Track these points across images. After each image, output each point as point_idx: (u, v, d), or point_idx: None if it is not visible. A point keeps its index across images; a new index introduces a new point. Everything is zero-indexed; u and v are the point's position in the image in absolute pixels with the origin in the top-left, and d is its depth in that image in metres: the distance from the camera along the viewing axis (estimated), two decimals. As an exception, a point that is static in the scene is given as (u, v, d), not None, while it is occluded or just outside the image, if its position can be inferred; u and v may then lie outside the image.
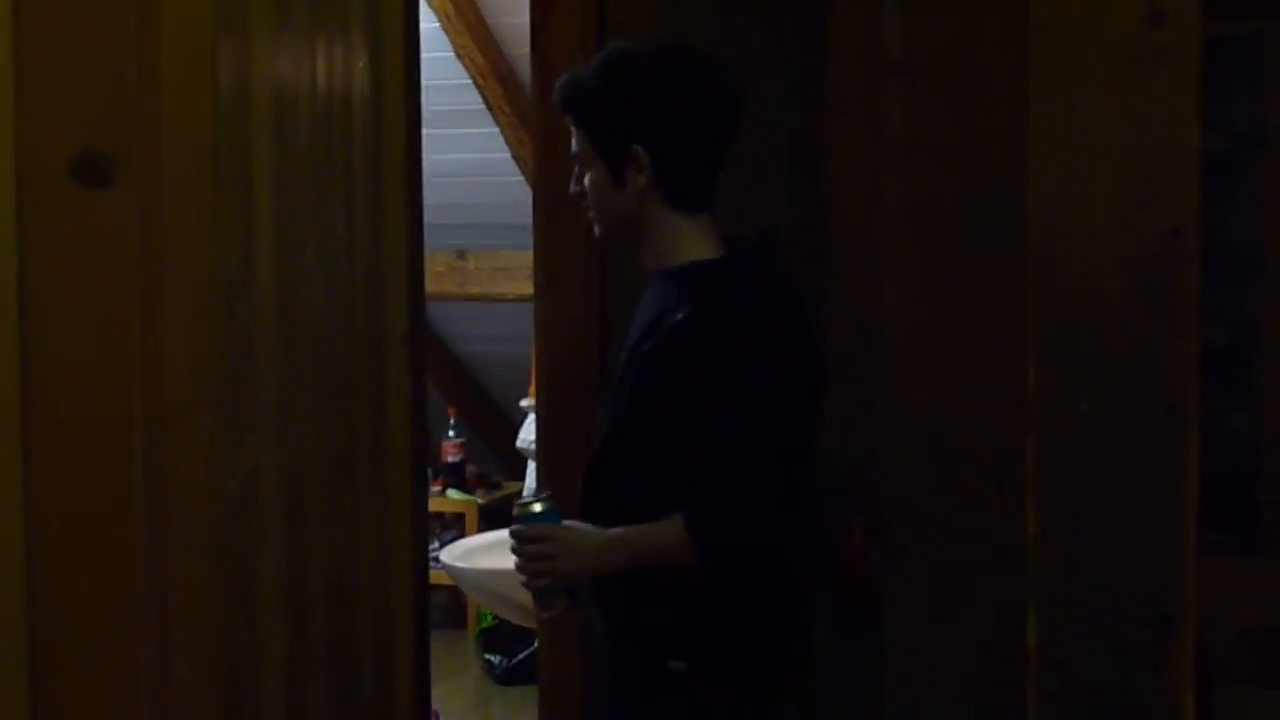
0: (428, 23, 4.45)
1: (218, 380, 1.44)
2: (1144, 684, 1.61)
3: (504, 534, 2.41)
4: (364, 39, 1.90)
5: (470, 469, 6.25)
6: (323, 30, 1.73)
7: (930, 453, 2.58)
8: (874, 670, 2.63)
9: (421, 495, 2.11)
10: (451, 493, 6.12)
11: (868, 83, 2.61)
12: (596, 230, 2.30)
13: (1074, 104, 1.61)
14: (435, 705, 4.35)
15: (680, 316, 2.09)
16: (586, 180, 2.23)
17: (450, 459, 6.16)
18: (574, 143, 2.25)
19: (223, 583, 1.45)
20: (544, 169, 2.97)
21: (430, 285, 5.63)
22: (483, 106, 5.18)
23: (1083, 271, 1.60)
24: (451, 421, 6.19)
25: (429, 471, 4.55)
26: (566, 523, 2.21)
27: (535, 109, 3.05)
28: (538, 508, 2.21)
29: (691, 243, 2.21)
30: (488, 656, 5.41)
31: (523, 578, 2.21)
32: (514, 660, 5.27)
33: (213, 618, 1.44)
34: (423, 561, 2.11)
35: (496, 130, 5.28)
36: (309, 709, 1.71)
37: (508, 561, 2.26)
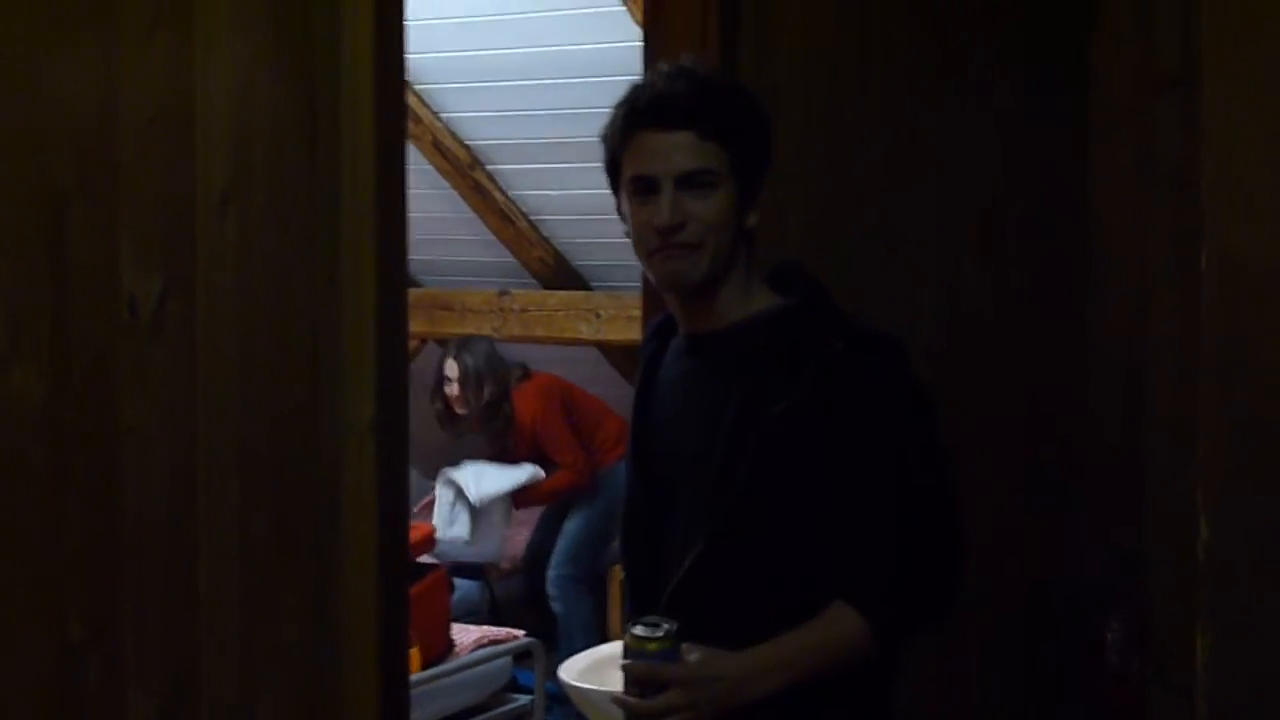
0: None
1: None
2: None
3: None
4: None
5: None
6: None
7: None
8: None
9: (396, 618, 1.67)
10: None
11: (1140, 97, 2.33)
12: (686, 272, 1.85)
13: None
14: None
15: (814, 368, 1.79)
16: (703, 206, 1.83)
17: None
18: (679, 158, 1.83)
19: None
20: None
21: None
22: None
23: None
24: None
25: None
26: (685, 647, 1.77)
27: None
28: (655, 644, 1.72)
29: (759, 295, 1.90)
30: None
31: None
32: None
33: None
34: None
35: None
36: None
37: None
